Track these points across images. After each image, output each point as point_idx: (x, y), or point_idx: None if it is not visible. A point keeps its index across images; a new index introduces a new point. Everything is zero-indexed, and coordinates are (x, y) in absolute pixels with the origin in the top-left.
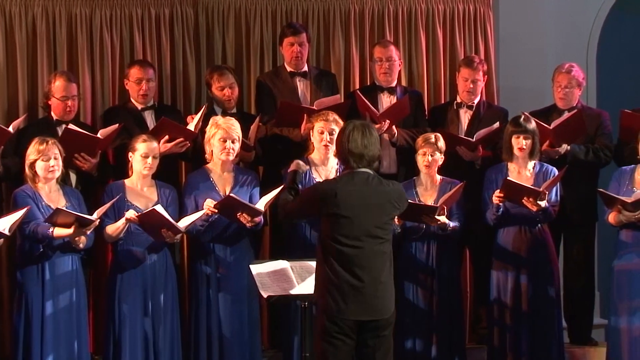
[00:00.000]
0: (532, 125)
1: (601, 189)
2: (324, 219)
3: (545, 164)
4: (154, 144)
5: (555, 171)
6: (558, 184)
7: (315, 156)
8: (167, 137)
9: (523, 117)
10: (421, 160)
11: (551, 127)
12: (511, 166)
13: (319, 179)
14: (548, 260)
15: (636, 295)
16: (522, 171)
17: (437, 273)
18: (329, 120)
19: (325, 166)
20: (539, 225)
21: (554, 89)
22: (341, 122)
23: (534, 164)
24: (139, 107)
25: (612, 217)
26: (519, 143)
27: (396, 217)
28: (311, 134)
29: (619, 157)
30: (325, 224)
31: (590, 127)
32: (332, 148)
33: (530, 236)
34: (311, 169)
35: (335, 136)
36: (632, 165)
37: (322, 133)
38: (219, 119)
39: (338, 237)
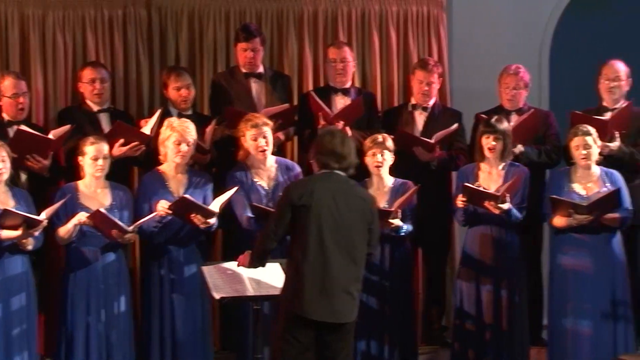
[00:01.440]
0: (503, 126)
1: (553, 196)
2: (297, 216)
3: (517, 163)
4: (103, 145)
5: (526, 171)
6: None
7: (252, 159)
8: (121, 140)
9: (495, 118)
10: (371, 161)
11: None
12: (482, 166)
13: (261, 182)
14: (514, 264)
15: (581, 296)
16: (492, 171)
17: (390, 274)
18: (259, 125)
19: (264, 166)
20: (506, 228)
21: (501, 91)
22: (270, 122)
23: (505, 164)
24: (95, 108)
25: (559, 221)
26: (489, 143)
27: None
28: (244, 140)
29: (566, 159)
30: (296, 222)
31: (540, 127)
32: (270, 150)
33: (496, 240)
34: (251, 172)
35: (269, 138)
36: (566, 167)
37: (255, 140)
38: (174, 120)
39: (309, 236)
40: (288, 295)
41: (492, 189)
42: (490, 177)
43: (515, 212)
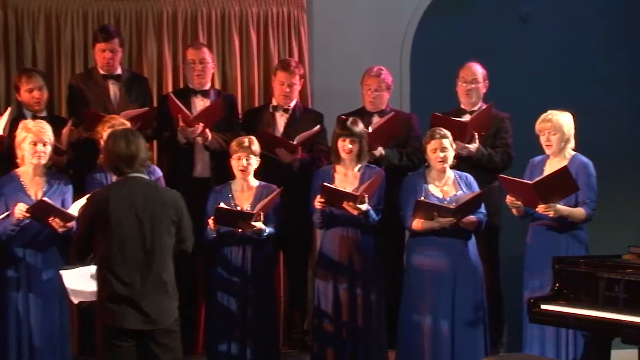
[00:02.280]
0: (359, 128)
1: (420, 198)
2: (99, 227)
3: (373, 165)
4: None
5: (382, 172)
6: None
7: None
8: None
9: (350, 120)
10: (236, 164)
11: (370, 131)
12: (338, 168)
13: None
14: (371, 265)
15: (438, 296)
16: (348, 173)
17: (251, 278)
18: (115, 126)
19: None
20: (362, 229)
21: (363, 92)
22: (127, 123)
23: (361, 166)
24: None
25: (419, 224)
26: (345, 146)
27: (211, 222)
28: (101, 141)
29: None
30: (100, 232)
31: (401, 130)
32: None
33: (352, 241)
34: (110, 175)
35: None
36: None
37: None
38: (29, 122)
39: (113, 244)
40: (100, 305)
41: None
42: (346, 179)
43: (372, 213)
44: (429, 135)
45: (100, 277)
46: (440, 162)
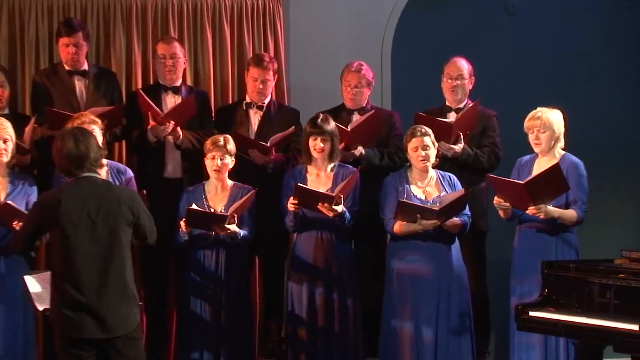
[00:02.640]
0: (331, 126)
1: (403, 199)
2: (50, 231)
3: (346, 165)
4: None
5: (357, 172)
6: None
7: None
8: None
9: (321, 117)
10: (210, 164)
11: (349, 129)
12: (310, 169)
13: None
14: (347, 269)
15: (421, 302)
16: (320, 174)
17: (225, 283)
18: (85, 123)
19: None
20: (336, 232)
21: (343, 89)
22: (99, 121)
23: (334, 165)
24: None
25: (401, 227)
26: (317, 145)
27: (183, 224)
28: None
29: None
30: (52, 236)
31: (383, 128)
32: None
33: (328, 244)
34: None
35: (99, 138)
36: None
37: None
38: None
39: (66, 248)
40: (55, 313)
41: None
42: (319, 179)
43: (348, 215)
44: (410, 133)
45: (54, 284)
46: (422, 161)
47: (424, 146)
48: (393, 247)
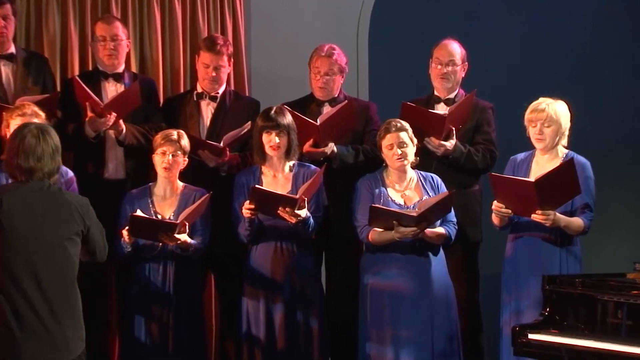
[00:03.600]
0: (287, 119)
1: (375, 205)
2: None
3: (307, 164)
4: None
5: (321, 172)
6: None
7: None
8: None
9: (275, 109)
10: (159, 161)
11: (318, 123)
12: (265, 169)
13: None
14: (311, 285)
15: (399, 321)
16: (277, 175)
17: (175, 301)
18: (26, 115)
19: None
20: (298, 242)
21: (312, 76)
22: (42, 114)
23: (293, 164)
24: None
25: (378, 235)
26: (271, 140)
27: (125, 233)
28: (7, 133)
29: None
30: None
31: (358, 122)
32: None
33: (289, 256)
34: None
35: None
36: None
37: None
38: None
39: (6, 260)
40: None
41: None
42: (276, 181)
43: (312, 221)
44: (383, 128)
45: None
46: (398, 160)
47: (400, 143)
48: (368, 259)
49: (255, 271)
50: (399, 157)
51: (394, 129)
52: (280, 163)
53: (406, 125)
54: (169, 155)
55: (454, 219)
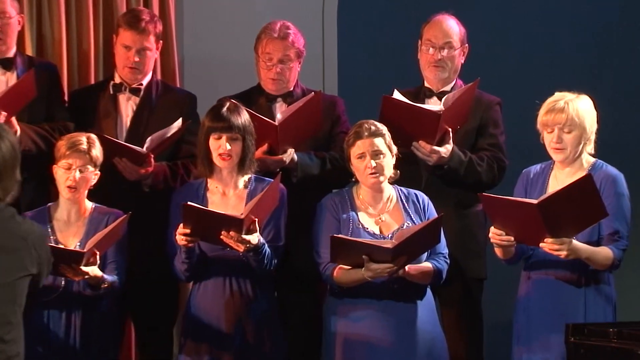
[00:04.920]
0: (243, 118)
1: (337, 235)
2: None
3: (267, 178)
4: None
5: (283, 188)
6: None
7: None
8: None
9: (228, 105)
10: (63, 177)
11: (277, 123)
12: (212, 184)
13: None
14: (269, 335)
15: None
16: (228, 191)
17: (81, 356)
18: None
19: None
20: (253, 279)
21: (259, 65)
22: None
23: (249, 179)
24: None
25: (345, 274)
26: (221, 147)
27: None
28: None
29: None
30: None
31: (324, 122)
32: None
33: (241, 297)
34: None
35: None
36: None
37: None
38: None
39: None
40: None
41: None
42: (226, 200)
43: (268, 250)
44: (353, 133)
45: None
46: (372, 175)
47: (374, 152)
48: (333, 302)
49: (196, 318)
50: (373, 171)
51: (366, 133)
52: (232, 176)
53: (383, 128)
54: (76, 171)
55: (445, 250)
